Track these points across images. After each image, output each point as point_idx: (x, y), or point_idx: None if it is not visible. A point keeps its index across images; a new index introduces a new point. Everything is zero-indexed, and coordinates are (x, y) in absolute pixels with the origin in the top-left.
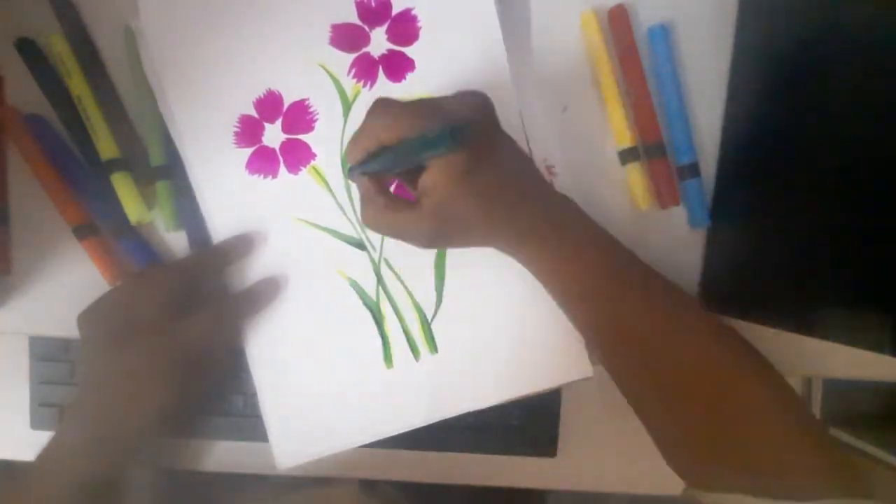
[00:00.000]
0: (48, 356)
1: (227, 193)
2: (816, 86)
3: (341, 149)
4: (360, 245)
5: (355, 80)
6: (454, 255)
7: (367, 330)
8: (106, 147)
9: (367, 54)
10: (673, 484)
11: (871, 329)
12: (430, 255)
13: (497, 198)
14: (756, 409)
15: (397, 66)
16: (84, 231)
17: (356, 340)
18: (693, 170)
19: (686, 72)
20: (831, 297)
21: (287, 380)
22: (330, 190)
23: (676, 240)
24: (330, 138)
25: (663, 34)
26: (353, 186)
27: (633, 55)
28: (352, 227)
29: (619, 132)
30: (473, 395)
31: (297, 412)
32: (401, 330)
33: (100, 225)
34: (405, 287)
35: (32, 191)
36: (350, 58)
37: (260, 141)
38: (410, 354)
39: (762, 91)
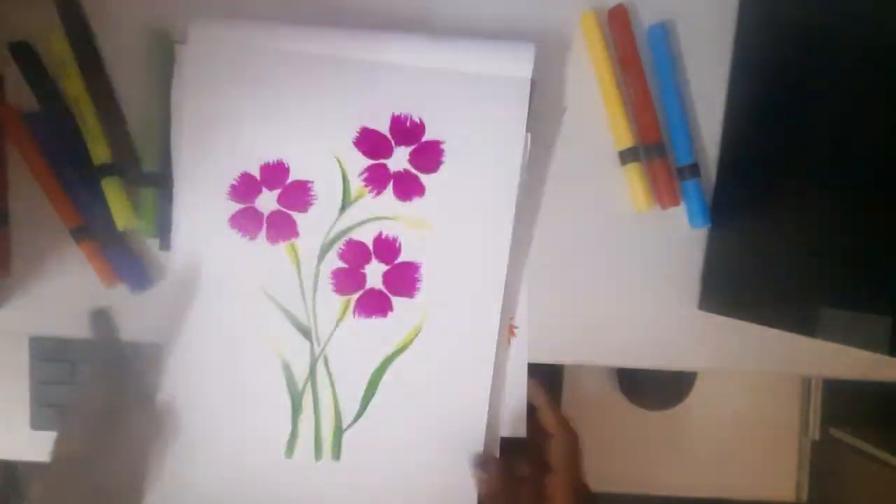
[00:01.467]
0: (48, 356)
1: (202, 235)
2: (817, 85)
3: (325, 239)
4: (306, 333)
5: (364, 183)
6: (390, 378)
7: (282, 415)
8: (99, 151)
9: (384, 166)
10: (672, 484)
11: (871, 329)
12: (367, 368)
13: None
14: None
15: (409, 187)
16: (81, 233)
17: (267, 421)
18: (693, 170)
19: (686, 72)
20: (831, 297)
21: (191, 431)
22: (299, 272)
23: (676, 240)
24: (319, 226)
25: (663, 34)
26: (322, 275)
27: (634, 55)
28: (305, 315)
29: (620, 132)
30: None
31: (192, 460)
32: (313, 428)
33: (91, 229)
34: (333, 389)
35: (32, 191)
36: (367, 162)
37: (252, 201)
38: (313, 453)
39: (762, 91)
